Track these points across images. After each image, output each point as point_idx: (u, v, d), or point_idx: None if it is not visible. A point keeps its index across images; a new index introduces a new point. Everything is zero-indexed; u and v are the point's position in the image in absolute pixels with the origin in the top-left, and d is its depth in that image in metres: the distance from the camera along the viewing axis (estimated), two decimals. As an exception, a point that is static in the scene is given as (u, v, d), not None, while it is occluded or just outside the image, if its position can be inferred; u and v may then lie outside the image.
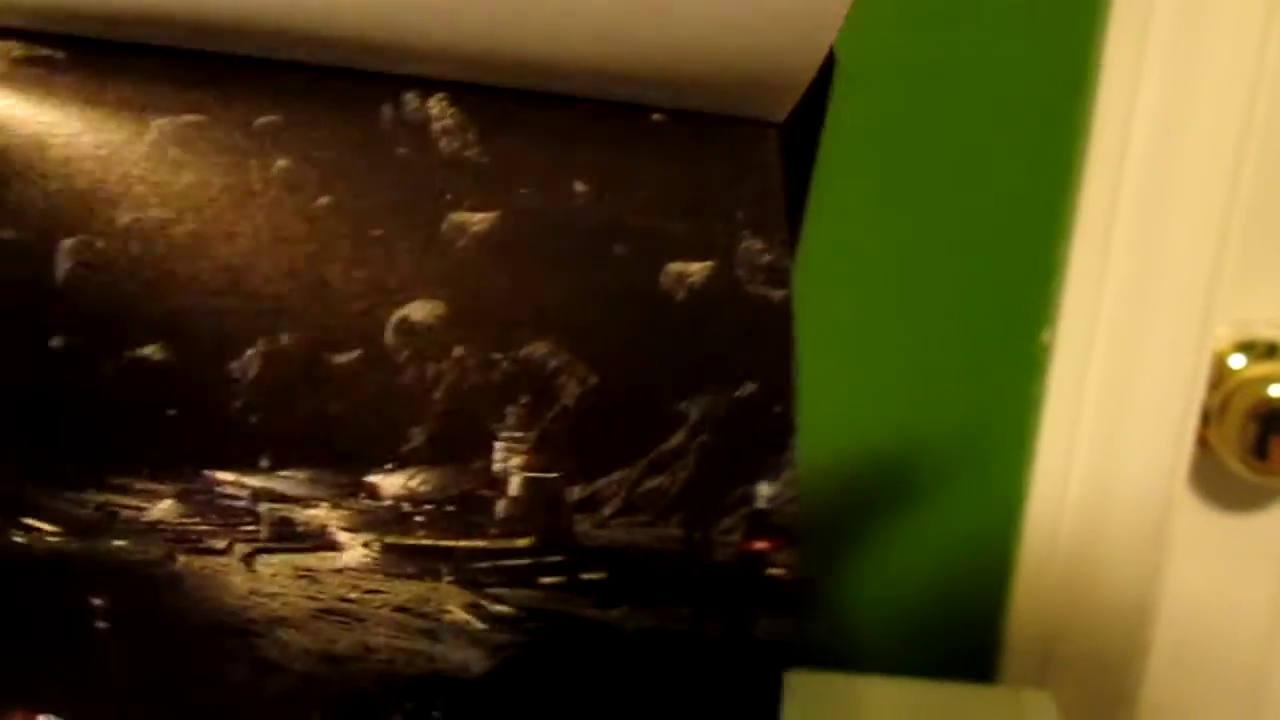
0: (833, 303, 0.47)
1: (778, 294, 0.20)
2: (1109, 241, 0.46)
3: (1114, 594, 0.50)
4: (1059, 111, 0.45)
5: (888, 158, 0.46)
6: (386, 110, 0.19)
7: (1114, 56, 0.44)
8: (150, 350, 0.19)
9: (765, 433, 0.20)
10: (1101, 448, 0.48)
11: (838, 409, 0.49)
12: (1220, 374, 0.47)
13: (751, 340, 0.20)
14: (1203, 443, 0.48)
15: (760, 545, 0.20)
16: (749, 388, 0.20)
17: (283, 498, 0.19)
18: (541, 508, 0.19)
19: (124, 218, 0.18)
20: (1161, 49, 0.44)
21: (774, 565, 0.20)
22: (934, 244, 0.47)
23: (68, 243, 0.18)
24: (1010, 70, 0.45)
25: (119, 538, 0.19)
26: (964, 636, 0.51)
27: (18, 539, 0.20)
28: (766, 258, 0.20)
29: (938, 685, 0.48)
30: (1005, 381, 0.49)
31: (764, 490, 0.20)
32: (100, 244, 0.18)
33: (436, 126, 0.19)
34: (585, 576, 0.20)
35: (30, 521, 0.20)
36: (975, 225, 0.47)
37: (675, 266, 0.19)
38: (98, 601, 0.20)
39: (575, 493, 0.19)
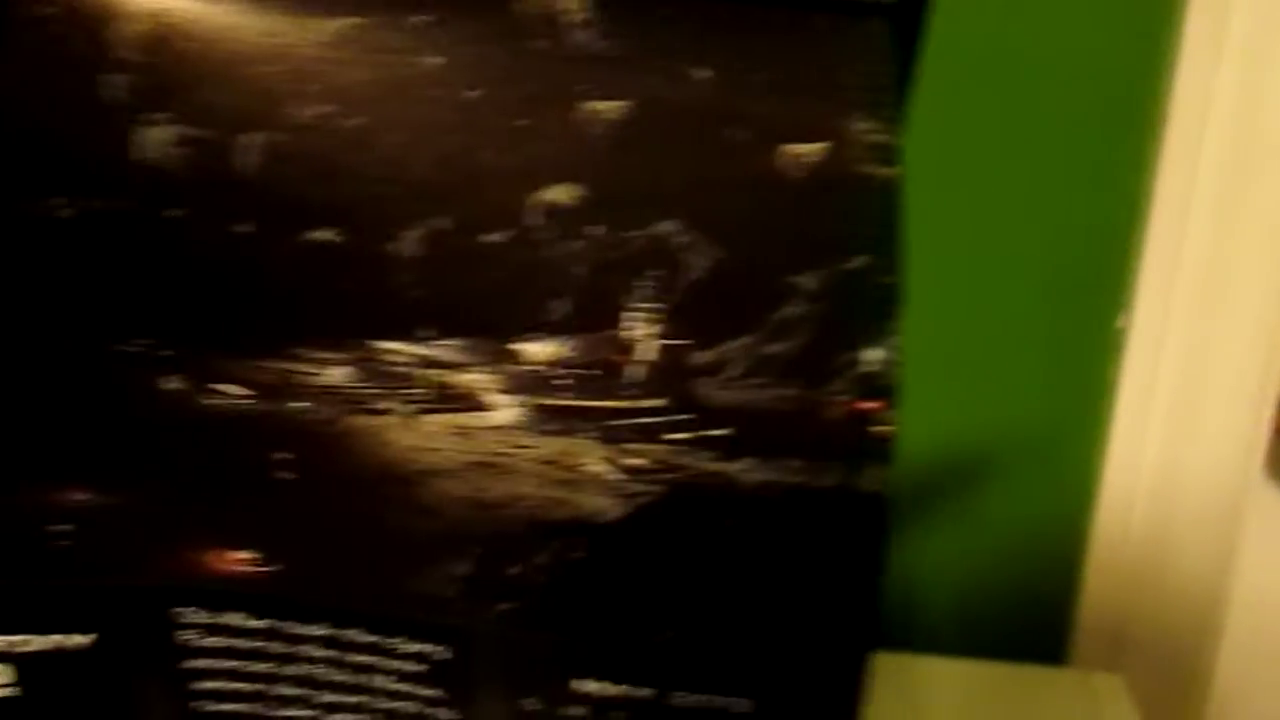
0: (906, 288, 0.47)
1: (886, 172, 0.21)
2: (1185, 226, 0.45)
3: (1186, 579, 0.50)
4: (1136, 94, 0.45)
5: (961, 144, 0.45)
6: (522, 6, 0.21)
7: (1193, 36, 0.43)
8: (323, 234, 0.21)
9: (873, 302, 0.21)
10: (1175, 432, 0.48)
11: (911, 394, 0.49)
12: (1296, 359, 0.46)
13: (862, 216, 0.21)
14: (1278, 429, 0.48)
15: (867, 405, 0.22)
16: (859, 260, 0.21)
17: (441, 364, 0.22)
18: (671, 371, 0.22)
19: (301, 113, 0.20)
20: (1242, 28, 0.43)
21: (878, 423, 0.22)
22: (1009, 229, 0.46)
23: (252, 138, 0.20)
24: (1087, 50, 0.44)
25: (297, 400, 0.22)
26: (1036, 619, 0.52)
27: (210, 401, 0.22)
28: (876, 138, 0.21)
29: (1009, 667, 0.48)
30: (1080, 366, 0.48)
31: (871, 355, 0.22)
32: (280, 138, 0.20)
33: (567, 20, 0.21)
34: (709, 433, 0.22)
35: (220, 387, 0.22)
36: (1050, 210, 0.46)
37: (790, 148, 0.21)
38: (280, 456, 0.23)
39: (701, 358, 0.21)
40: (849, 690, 0.23)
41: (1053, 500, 0.51)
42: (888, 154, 0.21)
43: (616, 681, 0.24)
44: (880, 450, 0.22)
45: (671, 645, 0.24)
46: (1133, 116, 0.46)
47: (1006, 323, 0.48)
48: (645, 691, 0.24)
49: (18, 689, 0.26)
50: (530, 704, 0.25)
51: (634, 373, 0.22)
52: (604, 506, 0.22)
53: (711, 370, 0.22)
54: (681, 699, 0.24)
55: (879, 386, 0.22)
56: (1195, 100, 0.44)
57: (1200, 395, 0.48)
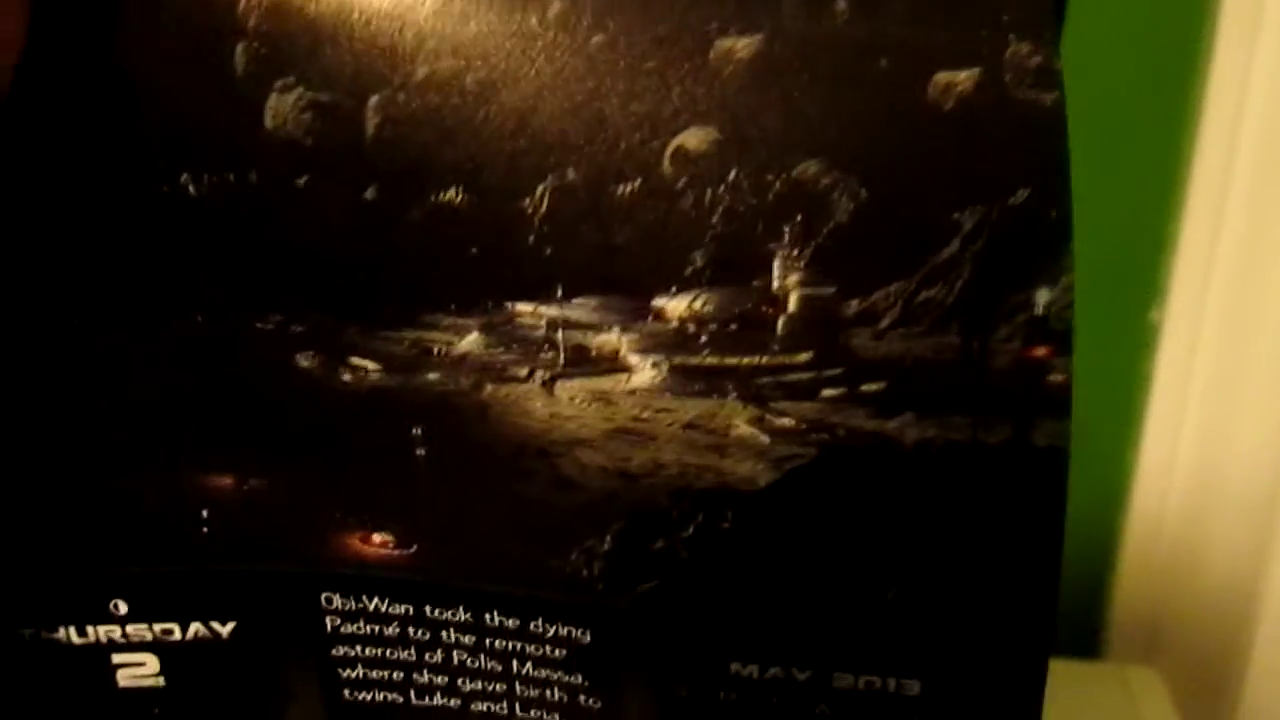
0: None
1: (1049, 97, 0.19)
2: (1220, 219, 0.44)
3: (1221, 572, 0.48)
4: (1171, 86, 0.43)
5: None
6: None
7: (1228, 30, 0.42)
8: (451, 195, 0.20)
9: (1040, 239, 0.20)
10: (1210, 426, 0.47)
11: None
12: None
13: (1022, 146, 0.19)
14: None
15: (1039, 352, 0.20)
16: (1022, 194, 0.19)
17: (577, 325, 0.21)
18: (819, 322, 0.20)
19: (421, 71, 0.20)
20: (1276, 23, 0.41)
21: (1052, 372, 0.20)
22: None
23: (374, 99, 0.20)
24: (1122, 44, 0.43)
25: (432, 371, 0.21)
26: (1070, 613, 0.50)
27: (345, 378, 0.22)
28: (1035, 60, 0.19)
29: None
30: (1113, 359, 0.47)
31: (1041, 296, 0.20)
32: (401, 98, 0.20)
33: None
34: (864, 388, 0.20)
35: (355, 361, 0.22)
36: (1084, 201, 0.45)
37: (942, 76, 0.19)
38: (416, 431, 0.22)
39: (852, 306, 0.20)
40: (1031, 671, 0.21)
41: (1087, 494, 0.49)
42: (1050, 78, 0.20)
43: (771, 664, 0.23)
44: (1055, 402, 0.20)
45: (832, 621, 0.22)
46: (1167, 108, 0.44)
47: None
48: (804, 673, 0.23)
49: (161, 679, 0.26)
50: (679, 690, 0.24)
51: (780, 326, 0.20)
52: (752, 472, 0.21)
53: (863, 320, 0.20)
54: (843, 680, 0.23)
55: (1051, 331, 0.20)
56: (1230, 91, 0.43)
57: (1235, 388, 0.46)
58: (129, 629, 0.26)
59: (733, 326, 0.20)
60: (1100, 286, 0.46)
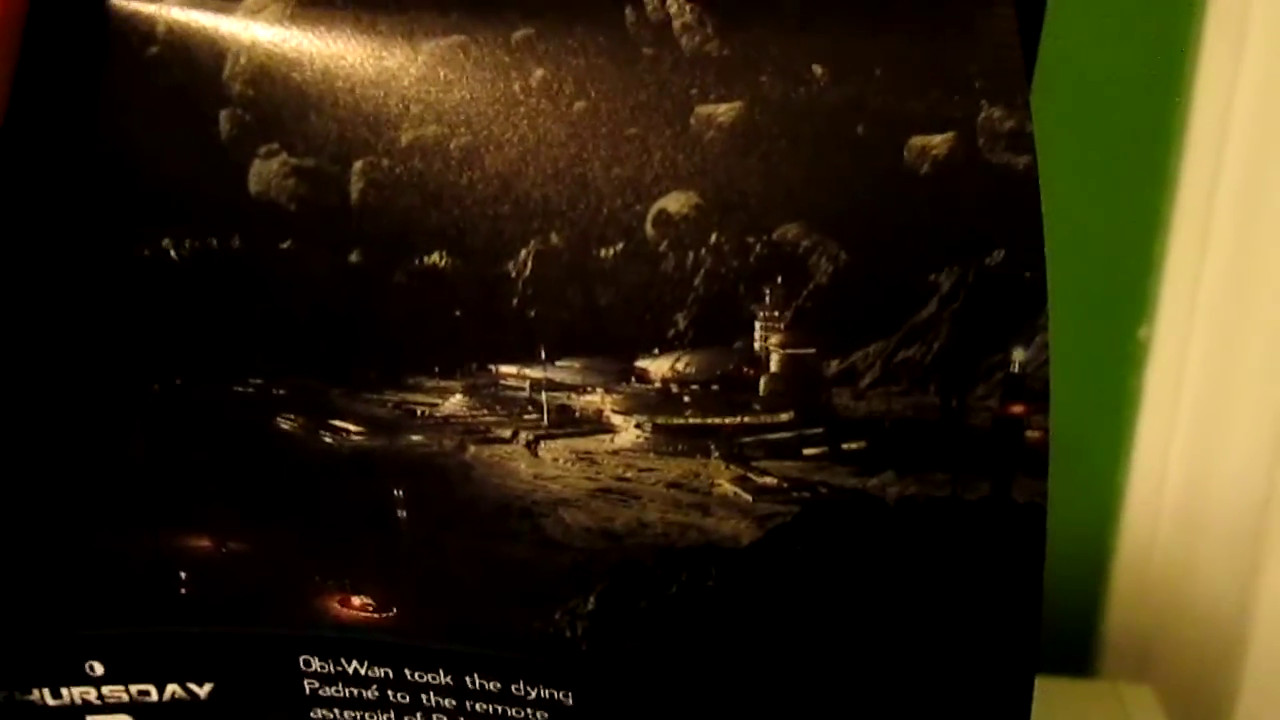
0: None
1: (1021, 160, 0.20)
2: (1207, 236, 0.45)
3: (1213, 588, 0.49)
4: (1156, 105, 0.44)
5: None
6: (629, 13, 0.20)
7: (1210, 49, 0.43)
8: (435, 258, 0.20)
9: (1016, 298, 0.20)
10: (1200, 443, 0.47)
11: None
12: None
13: (998, 208, 0.20)
14: None
15: (1016, 409, 0.20)
16: (998, 255, 0.20)
17: (560, 386, 0.21)
18: (801, 382, 0.20)
19: (406, 137, 0.20)
20: (1260, 41, 0.42)
21: (1030, 429, 0.20)
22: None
23: (358, 164, 0.20)
24: (1106, 62, 0.44)
25: (415, 433, 0.21)
26: (1063, 632, 0.51)
27: (326, 440, 0.22)
28: (1008, 124, 0.20)
29: (1037, 679, 0.47)
30: (1102, 377, 0.48)
31: (1018, 355, 0.20)
32: (386, 163, 0.20)
33: (677, 24, 0.20)
34: (846, 446, 0.21)
35: (336, 423, 0.22)
36: (1072, 219, 0.45)
37: (917, 140, 0.20)
38: (398, 492, 0.22)
39: (833, 366, 0.20)
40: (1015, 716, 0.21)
41: (1078, 512, 0.50)
42: (1023, 141, 0.20)
43: (756, 721, 0.23)
44: (1033, 458, 0.21)
45: (816, 680, 0.22)
46: (1153, 126, 0.45)
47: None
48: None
49: None
50: (664, 748, 0.24)
51: (762, 386, 0.21)
52: (736, 530, 0.21)
53: (844, 379, 0.20)
54: (826, 738, 0.23)
55: (1027, 390, 0.20)
56: (1216, 108, 0.43)
57: (1225, 404, 0.47)
58: (105, 690, 0.25)
59: (715, 387, 0.20)
60: (1089, 304, 0.47)
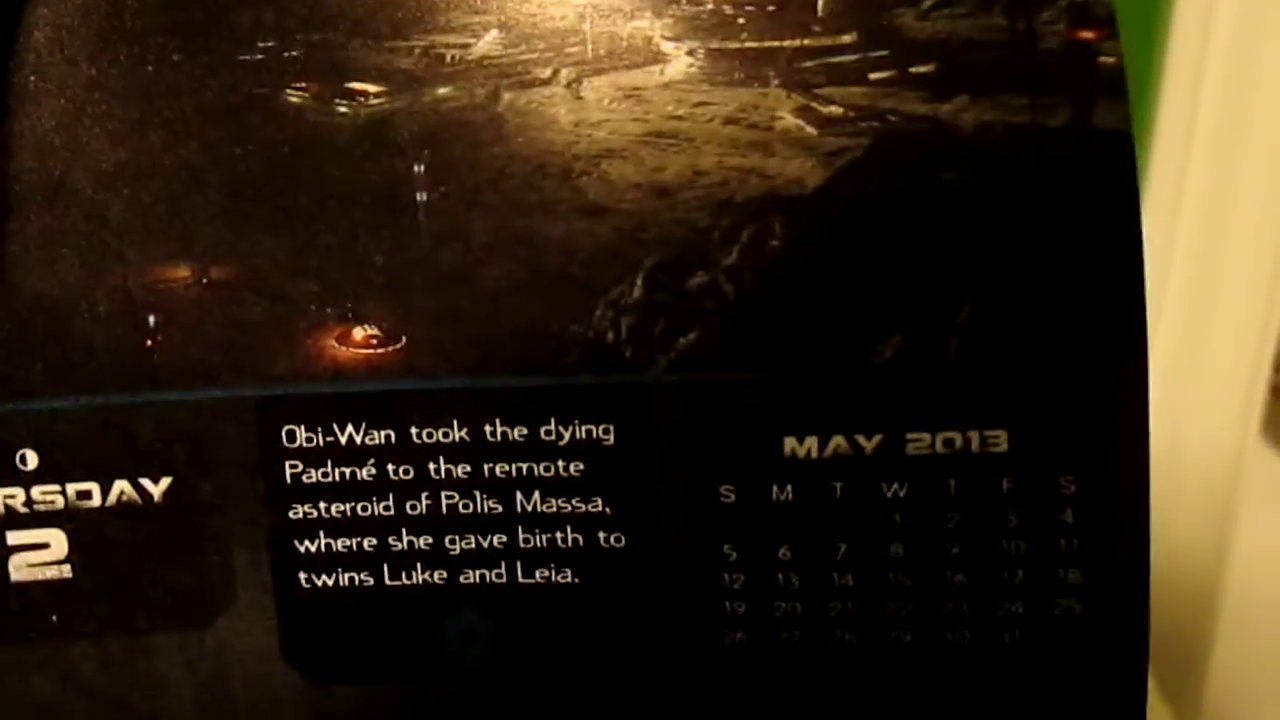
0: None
1: None
2: (1181, 186, 0.46)
3: (1186, 540, 0.47)
4: (1132, 42, 0.46)
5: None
6: None
7: (1184, 8, 0.45)
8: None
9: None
10: (1173, 395, 0.47)
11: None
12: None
13: None
14: (1276, 392, 0.46)
15: (1086, 34, 0.19)
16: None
17: (606, 10, 0.19)
18: (863, 2, 0.19)
19: None
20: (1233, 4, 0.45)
21: (1102, 54, 0.19)
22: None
23: None
24: None
25: (443, 84, 0.19)
26: None
27: (341, 109, 0.20)
28: None
29: None
30: None
31: (1079, -22, 0.19)
32: None
33: None
34: (914, 69, 0.19)
35: (354, 85, 0.20)
36: None
37: None
38: (418, 168, 0.20)
39: (894, -18, 0.19)
40: (1129, 377, 0.19)
41: None
42: None
43: (833, 432, 0.19)
44: (1111, 83, 0.19)
45: (899, 360, 0.19)
46: (1131, 60, 0.45)
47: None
48: (872, 441, 0.19)
49: (67, 567, 0.21)
50: (724, 492, 0.20)
51: (821, 5, 0.19)
52: (800, 172, 0.19)
53: (906, 0, 0.19)
54: (918, 444, 0.19)
55: (1095, 15, 0.20)
56: (1188, 68, 0.44)
57: (1198, 361, 0.46)
58: (35, 493, 0.21)
59: (771, 7, 0.19)
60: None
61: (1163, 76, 0.46)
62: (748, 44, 0.19)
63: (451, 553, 0.21)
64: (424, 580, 0.21)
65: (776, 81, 0.19)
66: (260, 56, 0.20)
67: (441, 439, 0.21)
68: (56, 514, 0.21)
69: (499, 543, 0.21)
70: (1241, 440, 0.46)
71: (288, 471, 0.21)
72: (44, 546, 0.21)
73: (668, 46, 0.19)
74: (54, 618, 0.21)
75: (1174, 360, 0.47)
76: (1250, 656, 0.46)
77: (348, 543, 0.21)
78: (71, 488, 0.21)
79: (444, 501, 0.21)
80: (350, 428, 0.21)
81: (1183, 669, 0.46)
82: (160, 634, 0.21)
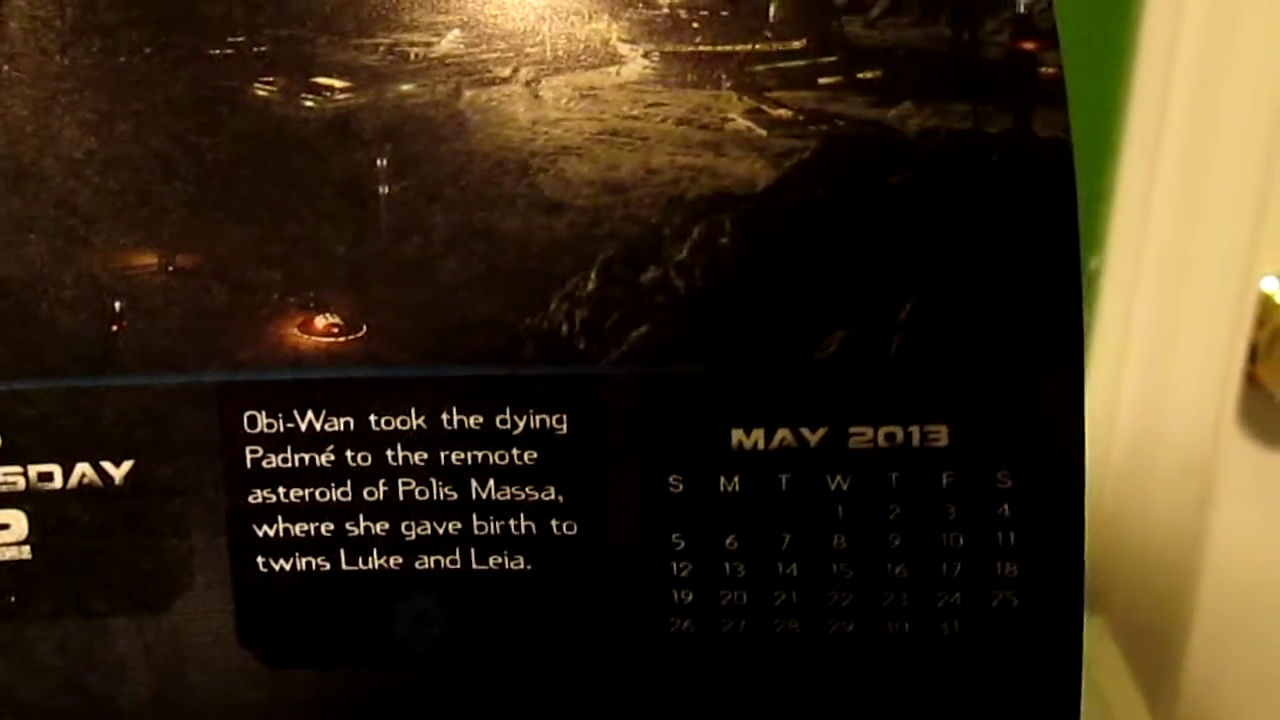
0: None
1: None
2: (1156, 171, 0.46)
3: (1163, 525, 0.48)
4: (1104, 37, 0.46)
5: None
6: None
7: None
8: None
9: (1013, -59, 0.20)
10: (1151, 375, 0.48)
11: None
12: (1267, 310, 0.46)
13: None
14: (1250, 379, 0.47)
15: (1028, 45, 0.20)
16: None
17: (564, 12, 0.20)
18: (812, 9, 0.20)
19: None
20: None
21: (1043, 64, 0.20)
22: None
23: None
24: None
25: (406, 81, 0.20)
26: None
27: (308, 104, 0.20)
28: None
29: None
30: None
31: (1021, -6, 0.20)
32: None
33: None
34: (861, 75, 0.20)
35: (320, 80, 0.20)
36: None
37: None
38: (381, 162, 0.20)
39: (843, -11, 0.20)
40: (1065, 375, 0.19)
41: None
42: None
43: (780, 424, 0.20)
44: (1051, 93, 0.20)
45: (843, 355, 0.20)
46: (1101, 60, 0.46)
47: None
48: (818, 433, 0.20)
49: (26, 549, 0.21)
50: (673, 482, 0.20)
51: (772, 12, 0.20)
52: (750, 172, 0.20)
53: (854, 8, 0.20)
54: (861, 437, 0.20)
55: (1036, 27, 0.20)
56: (1162, 41, 0.45)
57: (1175, 336, 0.47)
58: (-3, 474, 0.21)
59: (724, 12, 0.20)
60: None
61: (1135, 60, 0.46)
62: (701, 47, 0.20)
63: (407, 539, 0.22)
64: (380, 565, 0.22)
65: (728, 84, 0.20)
66: (229, 51, 0.20)
67: (400, 426, 0.21)
68: (17, 495, 0.21)
69: (454, 529, 0.21)
70: (1217, 428, 0.46)
71: (248, 456, 0.21)
72: (4, 527, 0.21)
73: (624, 48, 0.20)
74: (12, 599, 0.22)
75: (1150, 349, 0.47)
76: (1227, 643, 0.47)
77: (305, 527, 0.22)
78: (33, 469, 0.21)
79: (401, 488, 0.21)
80: (310, 414, 0.21)
81: (1159, 656, 0.47)
82: (118, 616, 0.22)
